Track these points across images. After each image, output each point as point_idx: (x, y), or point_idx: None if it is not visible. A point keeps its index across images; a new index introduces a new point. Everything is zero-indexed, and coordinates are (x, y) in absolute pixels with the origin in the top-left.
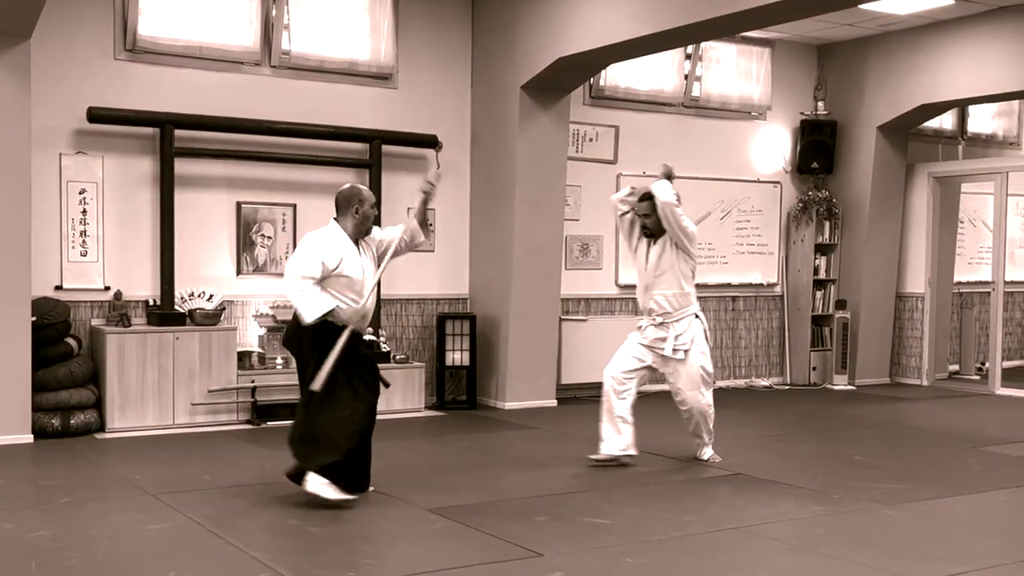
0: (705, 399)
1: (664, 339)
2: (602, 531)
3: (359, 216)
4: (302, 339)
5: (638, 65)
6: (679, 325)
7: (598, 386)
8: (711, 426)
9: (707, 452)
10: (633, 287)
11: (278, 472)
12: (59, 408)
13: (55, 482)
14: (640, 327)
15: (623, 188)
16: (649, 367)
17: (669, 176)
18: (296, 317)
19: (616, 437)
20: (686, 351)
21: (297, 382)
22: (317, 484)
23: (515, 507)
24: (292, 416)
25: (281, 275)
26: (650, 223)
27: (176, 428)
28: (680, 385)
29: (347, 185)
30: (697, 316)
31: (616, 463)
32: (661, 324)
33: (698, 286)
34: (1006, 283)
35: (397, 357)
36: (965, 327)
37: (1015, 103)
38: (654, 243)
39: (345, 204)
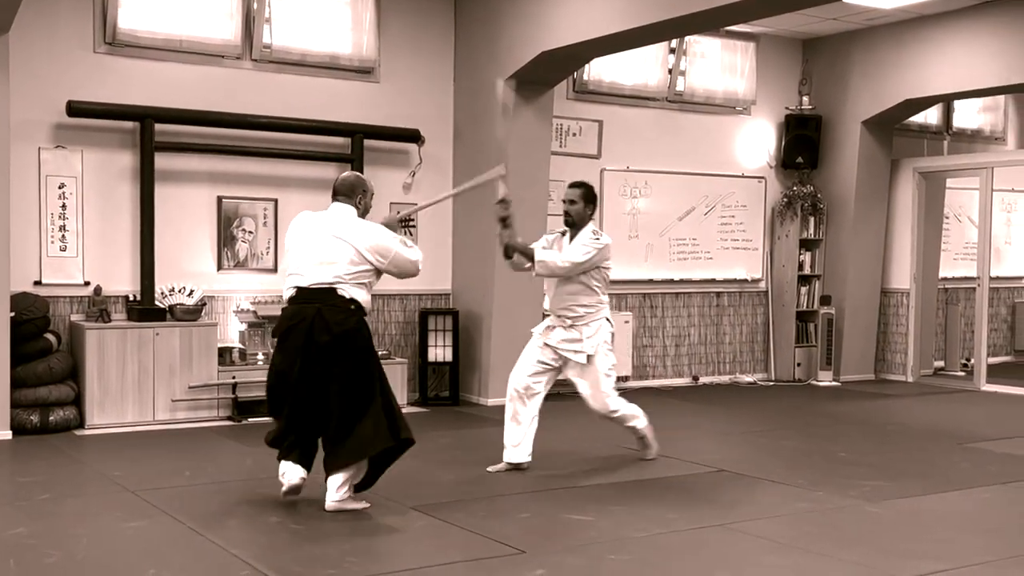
0: (610, 405)
1: (571, 341)
2: (585, 528)
3: (361, 207)
4: (366, 335)
5: (622, 59)
6: (588, 329)
7: None
8: (634, 424)
9: (649, 452)
10: (617, 282)
11: (259, 468)
12: (38, 404)
13: (34, 479)
14: (549, 327)
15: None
16: (555, 369)
17: (505, 219)
18: (356, 313)
19: (515, 448)
20: (590, 356)
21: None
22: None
23: (498, 504)
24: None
25: (262, 270)
26: (573, 211)
27: (156, 425)
28: (583, 390)
29: (351, 173)
30: (608, 320)
31: (517, 469)
32: (571, 326)
33: (683, 281)
34: (991, 279)
35: (379, 353)
36: (950, 323)
37: (1000, 98)
38: (570, 240)
39: (350, 191)
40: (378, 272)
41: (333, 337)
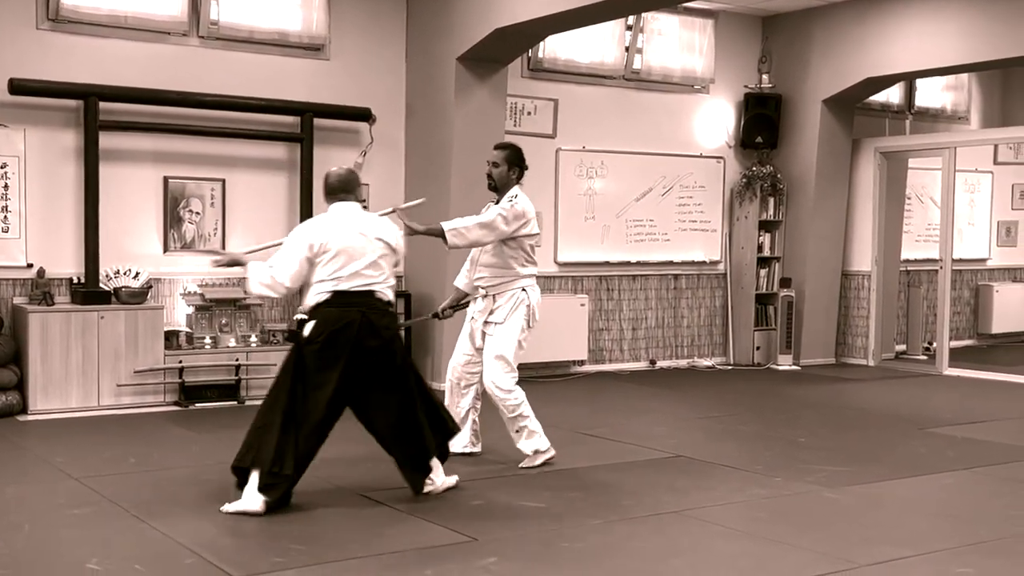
0: (501, 387)
1: (483, 312)
2: (539, 515)
3: (362, 202)
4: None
5: (578, 36)
6: (501, 298)
7: (536, 366)
8: (518, 425)
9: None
10: (573, 264)
11: (206, 455)
12: None
13: None
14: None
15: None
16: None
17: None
18: (395, 315)
19: (458, 436)
20: (497, 324)
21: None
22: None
23: (449, 491)
24: (220, 397)
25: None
26: (496, 174)
27: (101, 410)
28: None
29: (344, 169)
30: (524, 291)
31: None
32: (485, 296)
33: (640, 263)
34: (954, 261)
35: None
36: (912, 306)
37: (964, 77)
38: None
39: (353, 187)
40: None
41: (384, 342)
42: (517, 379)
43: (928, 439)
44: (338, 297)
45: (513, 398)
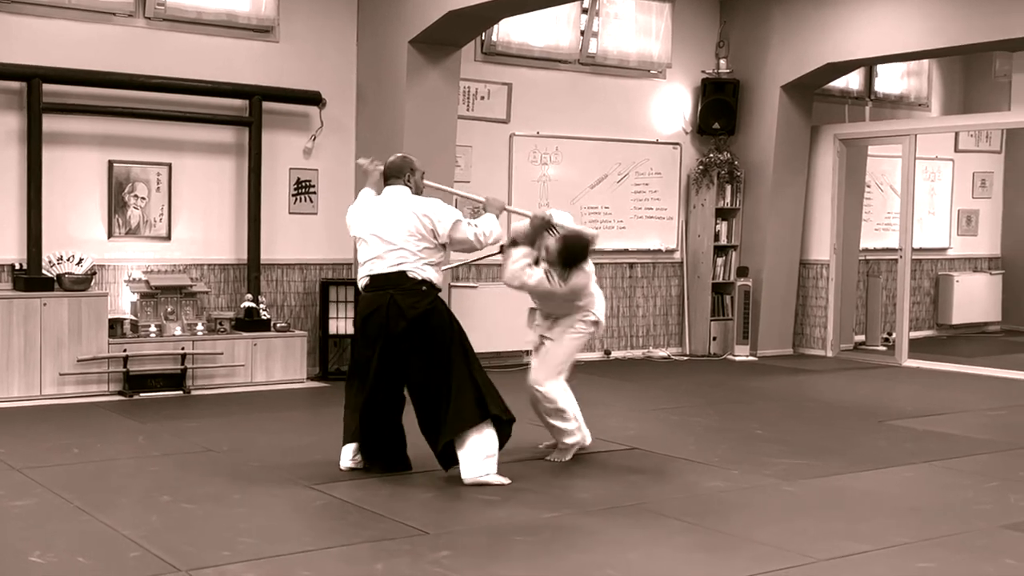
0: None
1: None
2: (491, 508)
3: (412, 185)
4: (449, 316)
5: (532, 19)
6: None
7: (487, 356)
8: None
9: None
10: None
11: (151, 446)
12: None
13: None
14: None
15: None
16: None
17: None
18: (428, 294)
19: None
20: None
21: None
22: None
23: (401, 483)
24: (165, 387)
25: (154, 238)
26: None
27: (43, 399)
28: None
29: (397, 155)
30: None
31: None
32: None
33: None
34: (914, 250)
35: (278, 325)
36: (871, 296)
37: (924, 63)
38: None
39: (398, 172)
40: (443, 247)
41: (409, 322)
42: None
43: (888, 431)
44: (373, 282)
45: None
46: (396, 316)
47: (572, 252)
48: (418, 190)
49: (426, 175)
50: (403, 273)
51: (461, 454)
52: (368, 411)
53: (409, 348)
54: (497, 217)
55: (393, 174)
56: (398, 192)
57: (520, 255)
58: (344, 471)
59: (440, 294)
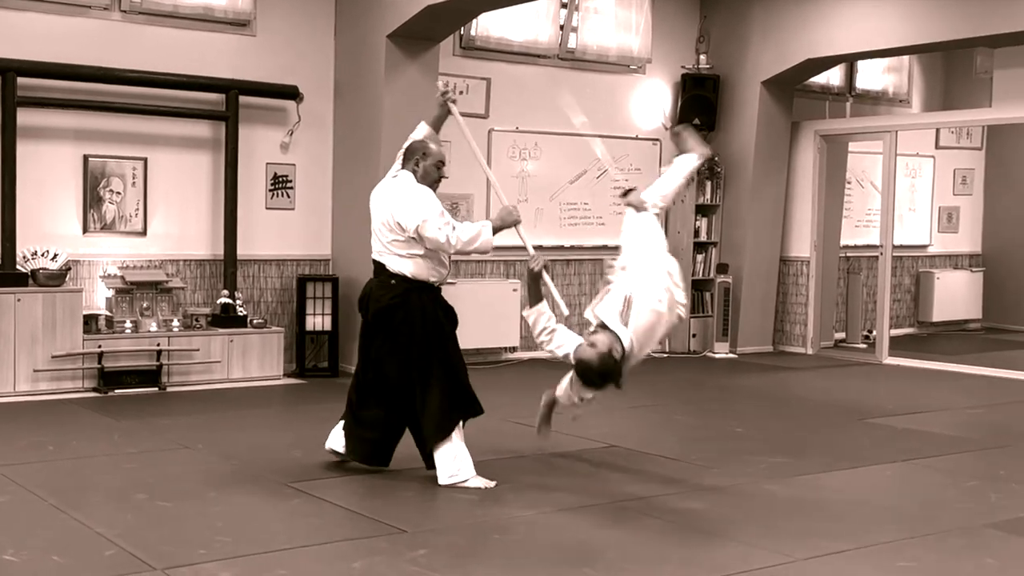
0: None
1: None
2: (470, 507)
3: (419, 171)
4: (422, 312)
5: (511, 14)
6: None
7: (466, 353)
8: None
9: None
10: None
11: (125, 443)
12: None
13: None
14: None
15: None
16: None
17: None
18: (396, 288)
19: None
20: None
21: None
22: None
23: (378, 481)
24: (141, 384)
25: (130, 233)
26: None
27: (17, 396)
28: None
29: (417, 139)
30: None
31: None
32: None
33: (574, 248)
34: (895, 247)
35: (254, 321)
36: (852, 293)
37: (905, 59)
38: None
39: (407, 156)
40: (415, 241)
41: (373, 315)
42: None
43: (868, 430)
44: (373, 266)
45: None
46: (369, 306)
47: (586, 374)
48: (426, 176)
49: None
50: (381, 264)
51: (436, 456)
52: (355, 395)
53: (380, 341)
54: (496, 230)
55: (405, 157)
56: (397, 179)
57: (539, 320)
58: (326, 451)
59: (425, 290)
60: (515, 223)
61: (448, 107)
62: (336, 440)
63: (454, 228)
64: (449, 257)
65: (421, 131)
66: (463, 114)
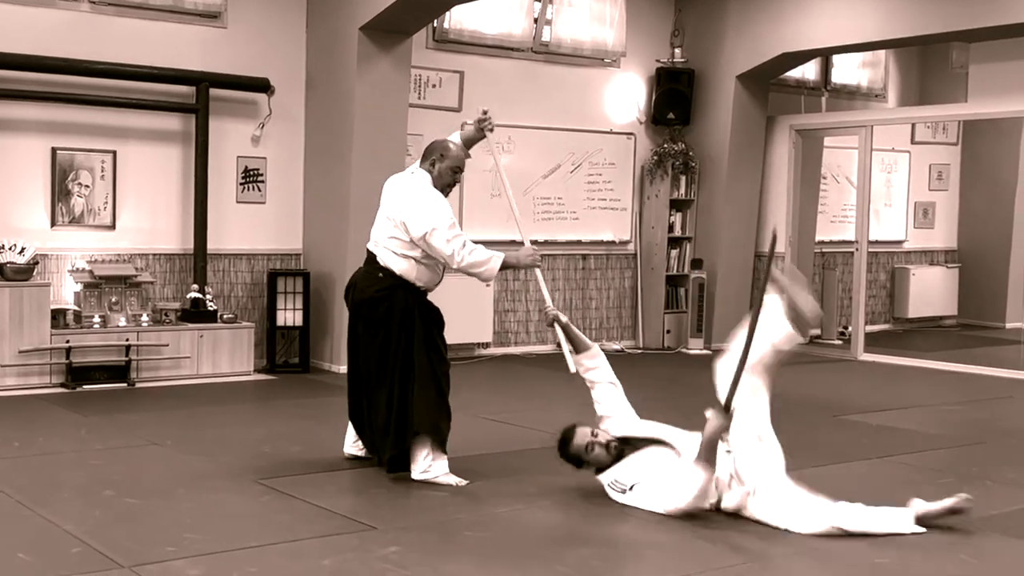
0: None
1: None
2: (441, 504)
3: (435, 171)
4: (405, 311)
5: (485, 7)
6: None
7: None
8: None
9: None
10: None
11: (94, 439)
12: None
13: None
14: None
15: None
16: None
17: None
18: (382, 282)
19: None
20: None
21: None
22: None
23: (349, 478)
24: (109, 379)
25: (99, 227)
26: None
27: None
28: None
29: (441, 139)
30: None
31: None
32: None
33: (547, 243)
34: (870, 243)
35: (225, 316)
36: (827, 289)
37: (881, 53)
38: None
39: (425, 154)
40: (416, 245)
41: (355, 304)
42: None
43: (842, 426)
44: (366, 255)
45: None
46: (353, 296)
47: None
48: (440, 178)
49: (379, 164)
50: (373, 255)
51: (413, 450)
52: (351, 388)
53: (361, 330)
54: (508, 267)
55: (424, 154)
56: (414, 176)
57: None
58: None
59: (412, 289)
60: (532, 266)
61: (484, 134)
62: (351, 445)
63: (464, 245)
64: (445, 267)
65: (456, 138)
66: (437, 107)
